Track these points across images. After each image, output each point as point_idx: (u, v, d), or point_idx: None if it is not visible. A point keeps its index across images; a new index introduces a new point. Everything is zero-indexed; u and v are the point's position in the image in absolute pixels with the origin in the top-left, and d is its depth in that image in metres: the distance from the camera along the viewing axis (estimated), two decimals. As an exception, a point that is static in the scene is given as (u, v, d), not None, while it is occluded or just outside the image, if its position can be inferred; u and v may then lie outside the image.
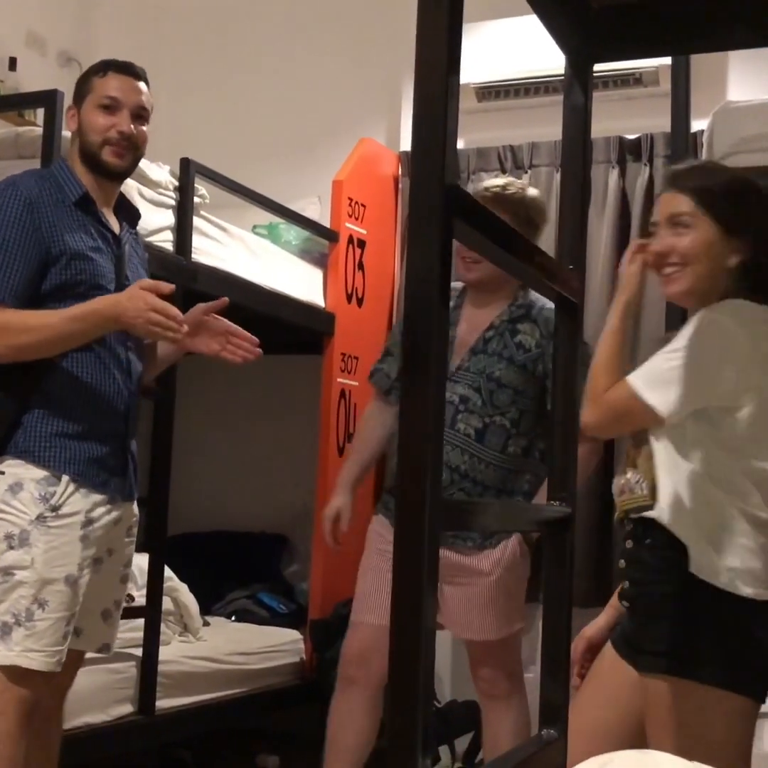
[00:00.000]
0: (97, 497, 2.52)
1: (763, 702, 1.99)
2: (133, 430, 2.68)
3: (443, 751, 4.02)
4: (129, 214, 2.76)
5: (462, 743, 4.04)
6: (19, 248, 2.42)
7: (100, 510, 2.53)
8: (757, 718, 1.98)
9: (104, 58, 2.70)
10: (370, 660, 3.11)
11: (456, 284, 3.30)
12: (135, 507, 2.71)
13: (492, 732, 3.14)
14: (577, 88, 1.79)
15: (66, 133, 3.05)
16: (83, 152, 2.62)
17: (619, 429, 2.13)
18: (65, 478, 2.46)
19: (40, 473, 2.45)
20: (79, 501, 2.48)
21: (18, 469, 2.44)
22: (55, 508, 2.44)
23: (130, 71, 2.65)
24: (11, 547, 2.41)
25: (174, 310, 2.44)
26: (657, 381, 2.05)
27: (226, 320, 2.69)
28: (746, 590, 1.96)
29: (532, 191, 3.19)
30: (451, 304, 3.16)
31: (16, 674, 2.39)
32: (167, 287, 2.48)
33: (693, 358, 2.03)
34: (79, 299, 2.49)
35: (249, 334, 2.68)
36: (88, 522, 2.49)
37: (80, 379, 2.51)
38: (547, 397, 3.04)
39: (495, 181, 3.23)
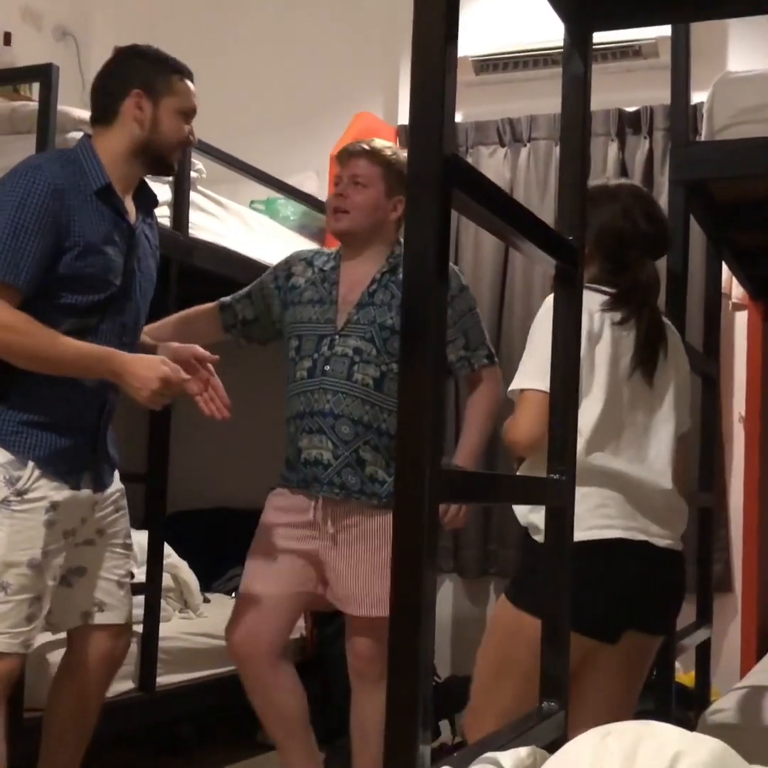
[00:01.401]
0: (62, 486, 2.52)
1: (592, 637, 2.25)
2: (107, 423, 2.67)
3: (443, 726, 4.04)
4: (147, 199, 2.74)
5: (462, 718, 4.06)
6: (37, 236, 2.40)
7: (66, 496, 2.53)
8: (583, 650, 2.22)
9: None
10: (260, 633, 3.04)
11: (329, 250, 3.37)
12: (116, 483, 2.71)
13: (360, 714, 3.07)
14: (576, 58, 1.77)
15: (63, 108, 3.03)
16: (145, 148, 2.59)
17: (545, 428, 2.20)
18: (30, 463, 2.47)
19: (6, 457, 2.45)
20: (45, 486, 2.48)
21: None
22: (20, 493, 2.45)
23: (192, 78, 2.70)
24: None
25: (215, 381, 2.65)
26: (538, 371, 2.19)
27: (213, 373, 2.68)
28: (537, 537, 2.25)
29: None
30: (328, 265, 3.19)
31: None
32: (212, 358, 2.66)
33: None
34: (85, 292, 2.49)
35: (225, 395, 2.69)
36: (53, 507, 2.49)
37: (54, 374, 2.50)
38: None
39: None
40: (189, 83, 2.66)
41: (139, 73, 2.59)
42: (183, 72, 2.65)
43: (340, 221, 3.12)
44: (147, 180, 3.28)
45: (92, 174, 2.53)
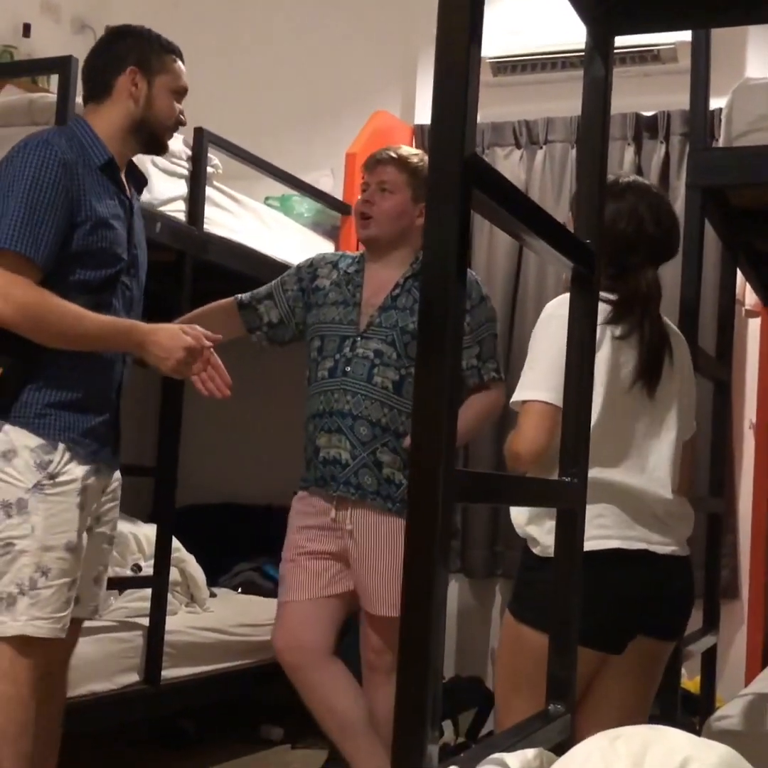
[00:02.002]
0: (89, 466, 2.52)
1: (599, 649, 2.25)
2: (120, 400, 2.68)
3: (446, 726, 4.03)
4: (137, 180, 2.75)
5: (466, 718, 4.06)
6: (52, 210, 2.39)
7: (91, 479, 2.53)
8: (593, 663, 2.23)
9: (130, 24, 2.69)
10: (302, 640, 3.05)
11: (353, 253, 3.38)
12: (117, 472, 2.71)
13: (370, 705, 3.06)
14: (597, 61, 1.77)
15: (81, 101, 3.04)
16: (140, 125, 2.61)
17: (549, 439, 2.18)
18: (61, 446, 2.46)
19: (36, 441, 2.44)
20: (76, 468, 2.48)
21: (10, 435, 2.43)
22: (52, 476, 2.43)
23: (183, 60, 2.71)
24: (9, 515, 2.40)
25: (215, 360, 2.59)
26: (539, 382, 2.19)
27: (213, 352, 2.63)
28: (536, 549, 2.26)
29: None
30: (353, 268, 3.20)
31: (25, 643, 2.39)
32: (214, 338, 2.58)
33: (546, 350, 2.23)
34: (97, 267, 2.49)
35: (226, 374, 2.66)
36: (84, 489, 2.50)
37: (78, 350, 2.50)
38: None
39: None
40: (181, 64, 2.68)
41: (134, 51, 2.61)
42: (176, 52, 2.68)
43: (367, 228, 3.15)
44: (158, 170, 3.30)
45: (94, 149, 2.54)
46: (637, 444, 2.32)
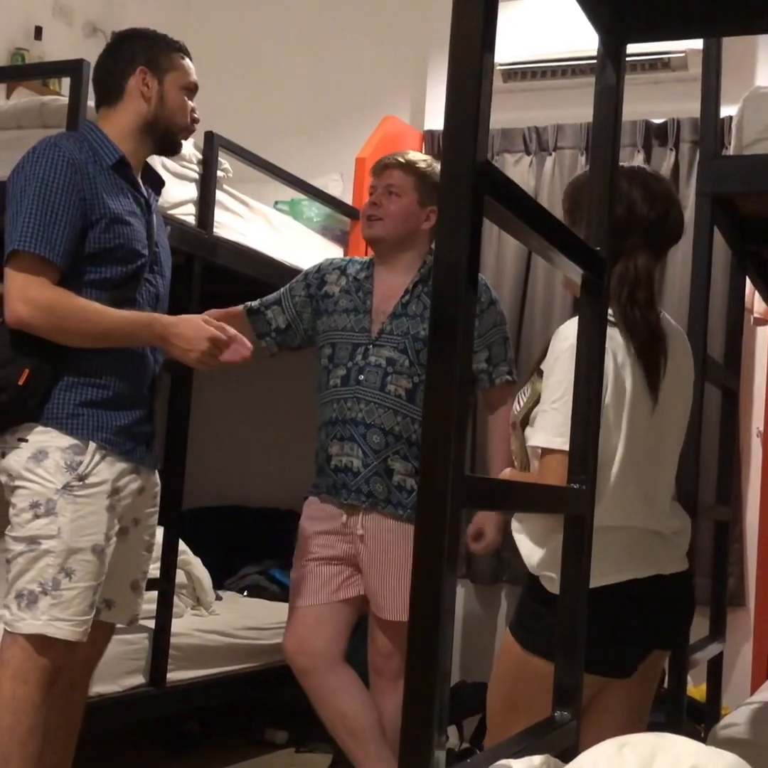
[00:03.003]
0: (123, 466, 2.52)
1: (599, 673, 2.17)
2: (156, 398, 2.69)
3: (451, 731, 4.04)
4: (153, 181, 2.76)
5: (470, 724, 4.06)
6: (65, 210, 2.41)
7: (126, 479, 2.53)
8: (598, 685, 2.19)
9: (136, 27, 2.71)
10: (312, 644, 3.06)
11: (361, 258, 3.37)
12: (157, 476, 2.71)
13: (378, 709, 3.05)
14: (609, 68, 1.77)
15: (92, 104, 3.05)
16: (154, 124, 2.63)
17: None
18: (92, 446, 2.45)
19: (67, 441, 2.44)
20: (106, 470, 2.47)
21: (42, 436, 2.43)
22: (82, 477, 2.43)
23: (191, 57, 2.73)
24: (37, 516, 2.40)
25: (231, 332, 2.55)
26: (564, 427, 1.94)
27: (231, 329, 2.60)
28: (552, 589, 2.13)
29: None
30: (362, 274, 3.20)
31: (42, 643, 2.38)
32: (229, 333, 2.55)
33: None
34: (117, 264, 2.50)
35: (247, 343, 2.59)
36: (115, 491, 2.49)
37: (109, 347, 2.51)
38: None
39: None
40: (189, 61, 2.71)
41: (141, 52, 2.64)
42: (182, 50, 2.71)
43: (373, 228, 3.17)
44: (168, 174, 3.31)
45: (105, 150, 2.56)
46: (646, 477, 2.22)
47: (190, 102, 2.69)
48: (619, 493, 2.16)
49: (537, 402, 2.19)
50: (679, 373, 2.31)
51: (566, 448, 1.90)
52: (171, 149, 2.76)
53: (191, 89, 2.69)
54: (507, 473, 2.27)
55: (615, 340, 2.15)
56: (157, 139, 2.66)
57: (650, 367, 2.18)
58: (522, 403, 2.28)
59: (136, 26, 2.75)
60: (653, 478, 2.26)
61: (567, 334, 2.09)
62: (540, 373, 2.20)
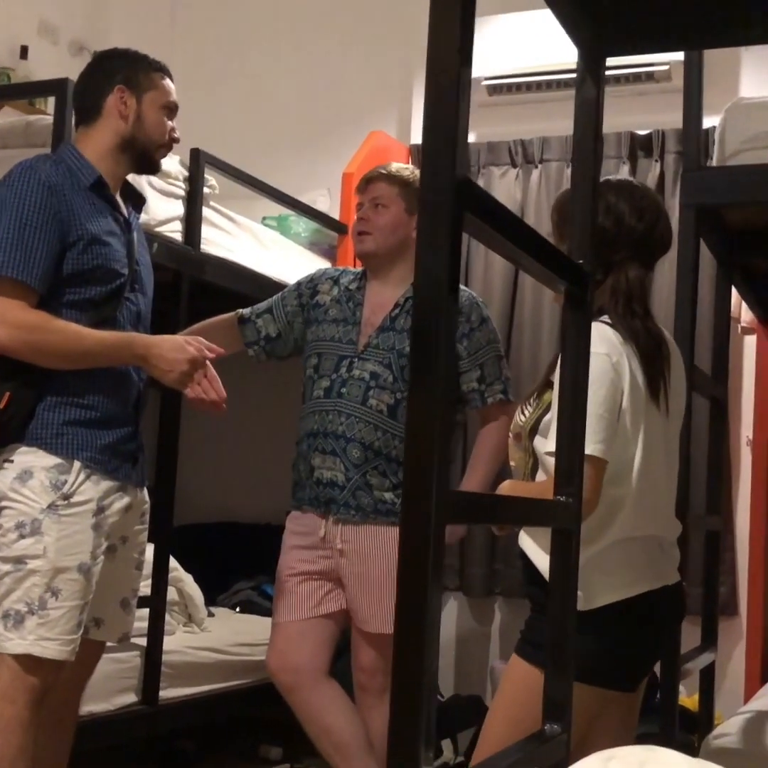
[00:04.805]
0: (109, 484, 2.52)
1: (606, 687, 2.18)
2: (142, 416, 2.68)
3: (446, 744, 4.02)
4: (134, 199, 2.76)
5: (465, 737, 4.05)
6: (42, 233, 2.41)
7: (112, 497, 2.53)
8: (596, 703, 2.17)
9: (117, 47, 2.71)
10: (295, 661, 3.04)
11: (355, 269, 3.38)
12: (145, 493, 2.71)
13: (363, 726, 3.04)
14: (589, 82, 1.78)
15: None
16: (131, 143, 2.63)
17: (599, 495, 2.13)
18: (77, 465, 2.46)
19: (52, 461, 2.44)
20: (91, 489, 2.47)
21: (28, 456, 2.43)
22: (67, 497, 2.43)
23: (171, 77, 2.73)
24: (22, 536, 2.39)
25: (212, 373, 2.55)
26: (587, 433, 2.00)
27: (210, 367, 2.58)
28: None
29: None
30: (354, 285, 3.20)
31: (29, 663, 2.37)
32: (217, 351, 2.57)
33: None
34: (96, 285, 2.50)
35: (221, 388, 2.58)
36: (100, 510, 2.49)
37: (90, 368, 2.51)
38: (459, 377, 3.11)
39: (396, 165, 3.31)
40: (169, 81, 2.70)
41: (120, 71, 2.64)
42: (163, 70, 2.70)
43: (364, 243, 3.16)
44: (154, 191, 3.31)
45: (82, 171, 2.55)
46: (659, 486, 2.25)
47: (169, 122, 2.68)
48: (638, 502, 2.17)
49: (546, 411, 2.19)
50: (678, 381, 2.34)
51: (587, 451, 1.95)
52: (149, 168, 2.75)
53: (171, 109, 2.69)
54: (506, 486, 2.25)
55: (624, 346, 2.18)
56: (135, 158, 2.65)
57: (655, 376, 2.21)
58: (528, 414, 2.28)
59: (122, 45, 2.75)
60: (665, 487, 2.28)
61: (603, 347, 2.13)
62: (549, 384, 2.21)
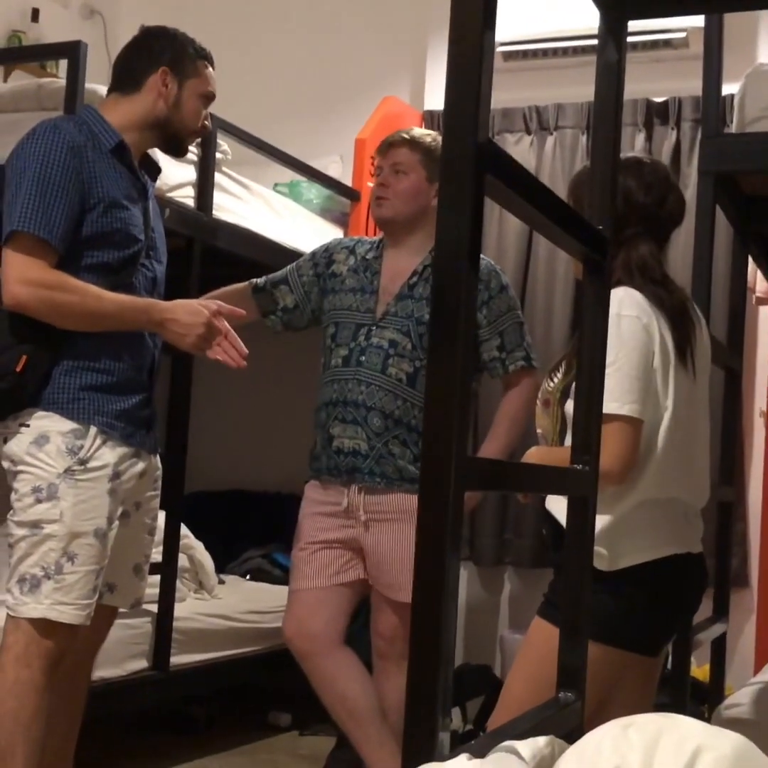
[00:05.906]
0: (124, 450, 2.52)
1: (626, 649, 2.17)
2: (156, 383, 2.68)
3: (455, 713, 4.04)
4: (150, 168, 2.75)
5: (474, 706, 4.06)
6: (64, 192, 2.40)
7: (127, 463, 2.53)
8: (615, 666, 2.16)
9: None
10: (311, 627, 3.04)
11: (371, 238, 3.34)
12: (158, 460, 2.71)
13: (381, 693, 3.05)
14: (610, 46, 1.75)
15: (90, 86, 3.03)
16: (164, 125, 2.63)
17: (635, 455, 2.13)
18: (93, 430, 2.45)
19: (68, 425, 2.43)
20: (107, 454, 2.47)
21: (44, 421, 2.43)
22: (83, 462, 2.42)
23: (214, 66, 2.74)
24: (39, 501, 2.39)
25: (232, 334, 2.55)
26: (618, 392, 2.07)
27: (227, 325, 2.58)
28: (601, 565, 2.10)
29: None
30: (371, 254, 3.17)
31: (45, 627, 2.38)
32: (238, 313, 2.60)
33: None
34: (114, 249, 2.49)
35: (242, 346, 2.58)
36: (116, 475, 2.49)
37: (108, 332, 2.50)
38: (479, 345, 3.09)
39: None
40: (212, 70, 2.71)
41: (168, 52, 2.64)
42: (208, 58, 2.71)
43: (383, 207, 3.12)
44: (169, 158, 3.29)
45: (104, 135, 2.54)
46: (687, 450, 2.25)
47: (204, 110, 2.70)
48: (664, 462, 2.18)
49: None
50: (703, 344, 2.34)
51: (623, 412, 2.05)
52: (176, 151, 2.76)
53: (209, 98, 2.71)
54: (533, 452, 2.25)
55: (652, 308, 2.18)
56: (164, 138, 2.66)
57: (683, 337, 2.22)
58: (557, 380, 2.28)
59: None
60: (691, 450, 2.28)
61: (613, 306, 2.07)
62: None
